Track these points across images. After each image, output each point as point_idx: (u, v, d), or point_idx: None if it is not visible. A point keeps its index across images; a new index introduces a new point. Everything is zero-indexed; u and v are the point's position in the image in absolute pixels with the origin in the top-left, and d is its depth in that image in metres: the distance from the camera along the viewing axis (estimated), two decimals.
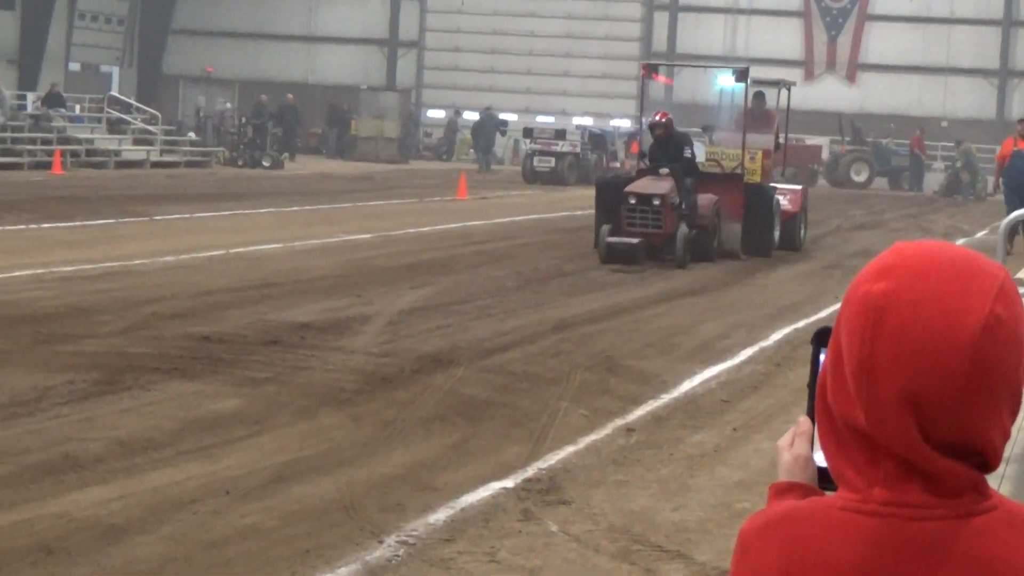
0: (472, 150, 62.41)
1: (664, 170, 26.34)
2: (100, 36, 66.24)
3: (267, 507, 9.86)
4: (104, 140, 53.23)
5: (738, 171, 28.39)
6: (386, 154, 60.84)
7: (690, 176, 26.38)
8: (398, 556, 8.98)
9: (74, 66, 64.50)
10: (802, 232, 30.85)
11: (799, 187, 32.25)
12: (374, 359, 15.09)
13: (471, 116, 64.06)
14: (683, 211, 26.06)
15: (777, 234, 29.04)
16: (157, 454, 11.02)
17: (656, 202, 25.55)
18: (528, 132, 57.27)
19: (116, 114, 56.19)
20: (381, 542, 9.21)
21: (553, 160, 53.58)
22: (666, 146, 26.39)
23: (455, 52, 65.99)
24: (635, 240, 25.25)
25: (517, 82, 66.85)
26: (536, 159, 54.17)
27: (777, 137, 31.05)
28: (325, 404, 13.04)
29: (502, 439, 12.20)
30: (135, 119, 55.84)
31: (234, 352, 14.94)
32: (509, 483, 10.75)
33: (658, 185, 25.95)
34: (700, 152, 27.95)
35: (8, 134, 48.29)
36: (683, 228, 25.70)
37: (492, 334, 17.04)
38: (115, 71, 66.57)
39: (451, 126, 66.80)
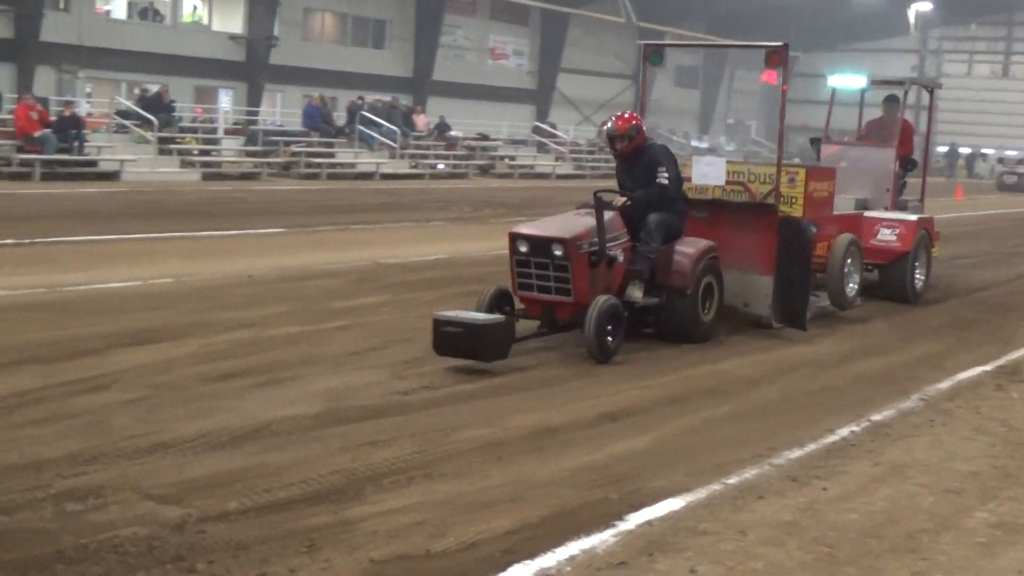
0: (964, 170, 59.37)
1: (616, 200, 10.20)
2: (745, 101, 66.10)
3: (839, 374, 9.64)
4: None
5: (769, 200, 11.14)
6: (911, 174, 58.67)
7: (659, 210, 10.26)
8: (919, 406, 8.60)
9: (729, 120, 64.64)
10: (918, 279, 13.80)
11: (913, 217, 13.91)
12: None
13: (964, 150, 61.16)
14: (634, 266, 10.07)
15: (855, 286, 12.31)
16: (766, 341, 10.93)
17: (558, 251, 9.50)
18: (1000, 159, 53.95)
19: (754, 148, 56.64)
20: (908, 397, 8.84)
21: (1016, 177, 50.02)
22: (634, 166, 10.48)
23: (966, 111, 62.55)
24: (478, 320, 8.92)
25: (995, 130, 62.93)
26: (1004, 176, 50.73)
27: (908, 154, 14.85)
28: (873, 318, 12.60)
29: (982, 342, 11.48)
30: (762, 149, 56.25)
31: None
32: (988, 368, 10.15)
33: (566, 225, 9.82)
34: (720, 171, 11.33)
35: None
36: (603, 299, 9.35)
37: (977, 281, 16.14)
38: (753, 124, 66.28)
39: (949, 155, 63.14)
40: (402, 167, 34.90)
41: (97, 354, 8.66)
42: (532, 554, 5.21)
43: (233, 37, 39.08)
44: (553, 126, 46.85)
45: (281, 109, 39.91)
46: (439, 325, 8.89)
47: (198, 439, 6.61)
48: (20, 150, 25.47)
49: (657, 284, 10.29)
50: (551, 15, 48.46)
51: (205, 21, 40.39)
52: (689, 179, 11.28)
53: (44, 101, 28.37)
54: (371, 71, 42.63)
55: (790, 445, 7.25)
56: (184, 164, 29.33)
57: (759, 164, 12.33)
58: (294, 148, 32.46)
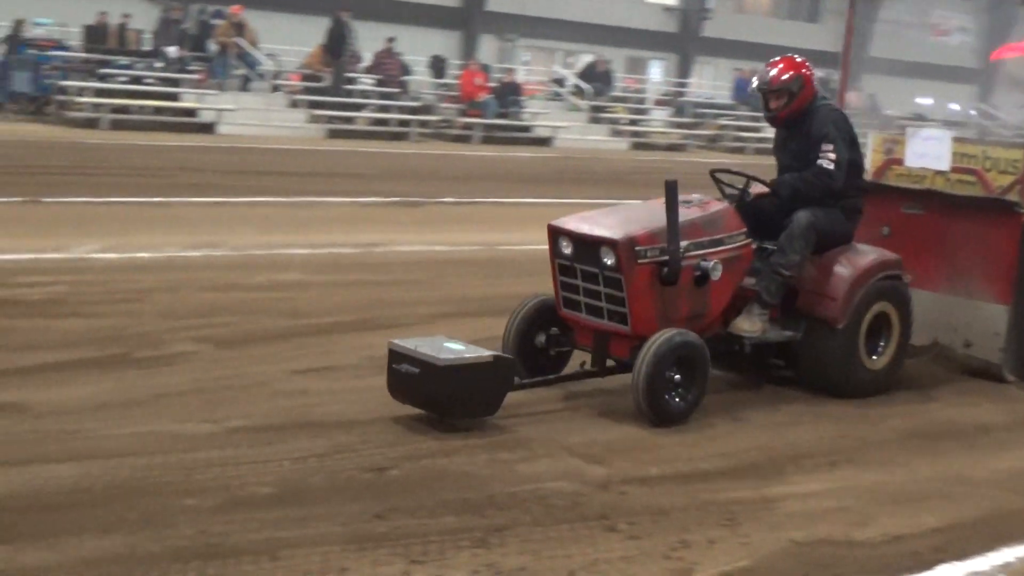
0: None
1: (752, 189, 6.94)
2: None
3: None
4: None
5: (1012, 196, 7.68)
6: None
7: (815, 205, 6.88)
8: None
9: None
10: None
11: None
12: None
13: None
14: (756, 285, 6.83)
15: None
16: None
17: (608, 259, 6.23)
18: None
19: None
20: None
21: None
22: (795, 135, 7.07)
23: None
24: (438, 360, 5.77)
25: None
26: None
27: None
28: None
29: None
30: None
31: None
32: None
33: (628, 219, 6.52)
34: (943, 151, 8.06)
35: None
36: (668, 334, 6.16)
37: None
38: None
39: None
40: None
41: None
42: (961, 555, 4.97)
43: (667, 8, 39.51)
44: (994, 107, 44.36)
45: (711, 82, 39.98)
46: (393, 358, 6.09)
47: (616, 403, 6.73)
48: (463, 114, 26.92)
49: (795, 311, 7.10)
50: None
51: None
52: (900, 162, 8.53)
53: (486, 68, 29.83)
54: (803, 45, 41.73)
55: None
56: (614, 133, 30.02)
57: (1001, 146, 8.49)
58: (722, 121, 32.47)
